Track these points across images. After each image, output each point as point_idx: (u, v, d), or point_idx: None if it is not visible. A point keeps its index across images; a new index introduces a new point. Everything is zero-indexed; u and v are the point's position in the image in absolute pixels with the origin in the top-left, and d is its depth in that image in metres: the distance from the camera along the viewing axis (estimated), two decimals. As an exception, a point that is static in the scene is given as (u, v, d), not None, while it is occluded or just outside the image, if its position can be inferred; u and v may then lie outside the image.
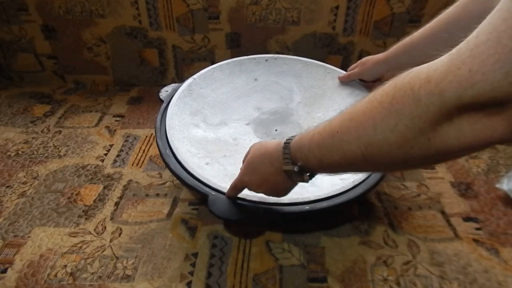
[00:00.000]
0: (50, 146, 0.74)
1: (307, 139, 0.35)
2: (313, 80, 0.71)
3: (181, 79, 0.75)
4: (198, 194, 0.49)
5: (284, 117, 0.69)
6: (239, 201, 0.46)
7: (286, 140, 0.38)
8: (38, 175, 0.67)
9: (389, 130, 0.27)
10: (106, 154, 0.72)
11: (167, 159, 0.52)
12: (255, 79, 0.72)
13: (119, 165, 0.70)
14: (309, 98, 0.70)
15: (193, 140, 0.59)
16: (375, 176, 0.51)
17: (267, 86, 0.72)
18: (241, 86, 0.71)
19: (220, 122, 0.66)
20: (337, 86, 0.68)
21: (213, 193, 0.47)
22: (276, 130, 0.67)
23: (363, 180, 0.50)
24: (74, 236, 0.55)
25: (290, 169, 0.37)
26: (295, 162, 0.37)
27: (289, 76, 0.73)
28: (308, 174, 0.38)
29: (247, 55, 0.73)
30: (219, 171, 0.55)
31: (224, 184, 0.47)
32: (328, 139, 0.33)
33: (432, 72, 0.24)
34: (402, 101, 0.26)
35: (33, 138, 0.77)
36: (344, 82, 0.67)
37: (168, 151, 0.54)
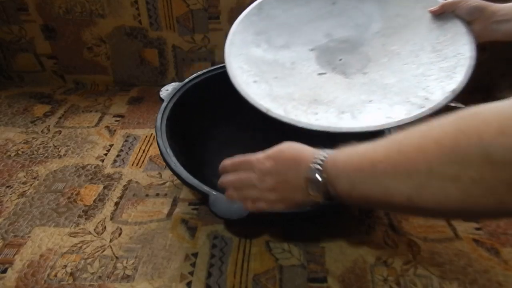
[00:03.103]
0: (50, 146, 0.74)
1: (345, 155, 0.32)
2: (400, 8, 0.62)
3: (181, 79, 0.75)
4: (199, 193, 0.49)
5: (353, 47, 0.63)
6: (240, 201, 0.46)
7: (325, 149, 0.35)
8: (38, 175, 0.67)
9: (448, 179, 0.23)
10: (106, 154, 0.72)
11: (167, 159, 0.52)
12: (333, 3, 0.65)
13: (119, 165, 0.70)
14: (389, 28, 0.62)
15: (249, 59, 0.57)
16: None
17: (345, 11, 0.65)
18: (316, 8, 0.65)
19: (283, 45, 0.62)
20: (425, 17, 0.59)
21: (214, 192, 0.47)
22: (340, 59, 0.61)
23: None
24: (74, 236, 0.55)
25: (313, 176, 0.33)
26: (324, 172, 0.33)
27: (373, 1, 0.65)
28: (326, 195, 0.34)
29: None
30: (264, 90, 0.53)
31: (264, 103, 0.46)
32: (368, 166, 0.29)
33: (506, 121, 0.21)
34: (467, 150, 0.22)
35: (33, 138, 0.77)
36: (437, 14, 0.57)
37: (168, 150, 0.54)
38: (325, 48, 0.63)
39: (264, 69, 0.57)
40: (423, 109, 0.45)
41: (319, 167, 0.33)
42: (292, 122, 0.48)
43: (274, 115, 0.49)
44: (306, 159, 0.35)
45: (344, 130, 0.46)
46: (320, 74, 0.59)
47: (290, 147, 0.38)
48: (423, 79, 0.51)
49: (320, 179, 0.33)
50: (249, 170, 0.41)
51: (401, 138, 0.27)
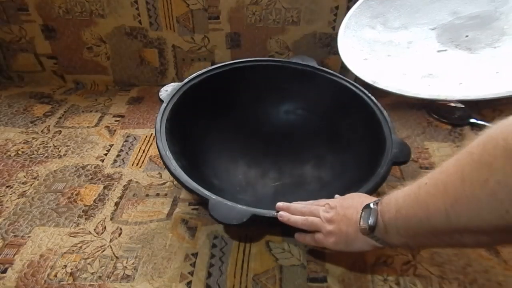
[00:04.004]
0: (50, 146, 0.74)
1: (399, 189, 0.33)
2: None
3: (181, 79, 0.75)
4: (199, 198, 0.48)
5: (485, 22, 0.60)
6: (240, 206, 0.46)
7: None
8: (38, 175, 0.67)
9: (478, 186, 0.23)
10: (106, 154, 0.72)
11: (167, 162, 0.52)
12: None
13: (119, 165, 0.70)
14: None
15: (362, 40, 0.57)
16: (376, 179, 0.50)
17: None
18: None
19: (400, 26, 0.62)
20: None
21: (213, 197, 0.47)
22: (466, 36, 0.59)
23: (364, 183, 0.50)
24: (74, 236, 0.55)
25: (368, 206, 0.37)
26: (376, 202, 0.37)
27: None
28: (372, 226, 0.35)
29: (247, 55, 0.72)
30: (373, 67, 0.53)
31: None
32: (415, 189, 0.30)
33: None
34: (493, 153, 0.22)
35: (33, 138, 0.77)
36: None
37: (168, 153, 0.53)
38: (449, 26, 0.61)
39: (376, 48, 0.57)
40: None
41: (377, 201, 0.36)
42: (399, 92, 0.48)
43: (380, 86, 0.50)
44: (369, 200, 0.38)
45: (457, 97, 0.45)
46: (439, 51, 0.58)
47: (361, 194, 0.43)
48: None
49: (372, 206, 0.36)
50: (321, 205, 0.46)
51: (448, 160, 0.28)
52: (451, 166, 0.27)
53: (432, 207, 0.27)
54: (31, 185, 0.65)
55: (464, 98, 0.44)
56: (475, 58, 0.55)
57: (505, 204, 0.22)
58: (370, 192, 0.49)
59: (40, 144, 0.75)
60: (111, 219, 0.58)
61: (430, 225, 0.28)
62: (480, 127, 0.77)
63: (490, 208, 0.23)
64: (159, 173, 0.68)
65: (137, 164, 0.70)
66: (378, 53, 0.57)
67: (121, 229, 0.56)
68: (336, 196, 0.47)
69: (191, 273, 0.50)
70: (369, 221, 0.35)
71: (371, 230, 0.36)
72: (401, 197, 0.32)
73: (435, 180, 0.28)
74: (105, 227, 0.57)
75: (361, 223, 0.37)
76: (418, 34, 0.62)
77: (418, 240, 0.32)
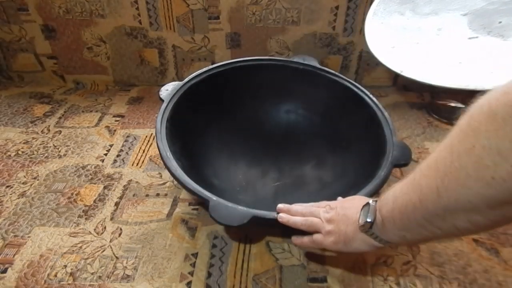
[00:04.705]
0: (50, 146, 0.74)
1: (400, 181, 0.34)
2: None
3: (181, 79, 0.75)
4: (200, 199, 0.48)
5: None
6: (240, 207, 0.46)
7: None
8: (38, 175, 0.67)
9: (465, 154, 0.23)
10: (106, 154, 0.72)
11: (168, 163, 0.51)
12: None
13: (119, 165, 0.70)
14: None
15: (390, 27, 0.57)
16: (376, 181, 0.50)
17: None
18: None
19: (430, 12, 0.61)
20: None
21: (214, 198, 0.46)
22: (500, 22, 0.57)
23: (365, 185, 0.50)
24: (74, 236, 0.55)
25: (367, 203, 0.37)
26: (375, 200, 0.37)
27: None
28: (370, 221, 0.36)
29: (247, 55, 0.72)
30: (401, 55, 0.53)
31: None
32: (411, 177, 0.31)
33: (510, 84, 0.22)
34: (478, 118, 0.23)
35: (33, 138, 0.77)
36: None
37: (168, 153, 0.53)
38: (482, 12, 0.60)
39: (405, 35, 0.57)
40: None
41: (376, 199, 0.37)
42: (425, 81, 0.48)
43: (407, 75, 0.50)
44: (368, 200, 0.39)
45: (487, 87, 0.45)
46: (470, 38, 0.57)
47: (361, 197, 0.43)
48: None
49: (371, 203, 0.36)
50: (321, 207, 0.46)
51: None
52: (443, 143, 0.27)
53: (425, 187, 0.27)
54: (31, 185, 0.65)
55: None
56: (508, 46, 0.54)
57: (491, 169, 0.21)
58: (371, 194, 0.49)
59: (40, 144, 0.75)
60: (111, 219, 0.58)
61: (423, 208, 0.28)
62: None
63: (477, 175, 0.22)
64: (159, 173, 0.68)
65: (137, 164, 0.70)
66: (407, 41, 0.57)
67: (121, 229, 0.56)
68: (339, 198, 0.47)
69: (191, 273, 0.50)
70: (368, 217, 0.36)
71: (369, 227, 0.36)
72: (399, 187, 0.33)
73: (429, 160, 0.28)
74: (105, 227, 0.57)
75: (360, 221, 0.38)
76: (448, 20, 0.61)
77: (414, 231, 0.32)
